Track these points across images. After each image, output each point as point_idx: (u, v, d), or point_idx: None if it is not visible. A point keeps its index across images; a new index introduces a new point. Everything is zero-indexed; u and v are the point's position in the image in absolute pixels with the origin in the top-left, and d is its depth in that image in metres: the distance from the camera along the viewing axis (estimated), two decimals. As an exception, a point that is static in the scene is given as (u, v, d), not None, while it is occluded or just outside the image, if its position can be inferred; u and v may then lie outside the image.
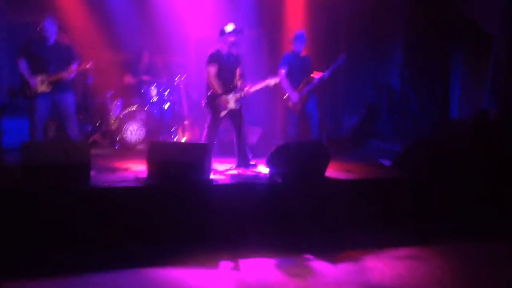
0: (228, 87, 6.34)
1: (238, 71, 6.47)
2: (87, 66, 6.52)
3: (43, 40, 6.22)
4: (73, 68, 6.34)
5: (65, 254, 4.47)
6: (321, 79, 7.02)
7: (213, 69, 6.31)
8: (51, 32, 6.20)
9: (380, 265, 4.46)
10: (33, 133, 6.21)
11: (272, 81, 6.41)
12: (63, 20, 6.50)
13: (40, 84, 6.18)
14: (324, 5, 9.25)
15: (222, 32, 6.30)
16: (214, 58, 6.32)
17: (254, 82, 6.46)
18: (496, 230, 5.53)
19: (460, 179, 5.90)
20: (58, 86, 6.25)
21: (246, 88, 6.33)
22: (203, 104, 6.50)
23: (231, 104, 6.31)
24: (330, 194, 5.54)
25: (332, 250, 4.80)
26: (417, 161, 6.14)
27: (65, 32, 7.03)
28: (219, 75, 6.33)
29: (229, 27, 6.28)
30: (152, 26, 8.85)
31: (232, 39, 6.27)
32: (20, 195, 4.61)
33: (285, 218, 5.25)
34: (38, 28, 6.20)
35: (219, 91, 6.28)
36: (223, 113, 6.32)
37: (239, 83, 6.41)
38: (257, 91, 6.48)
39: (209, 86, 6.37)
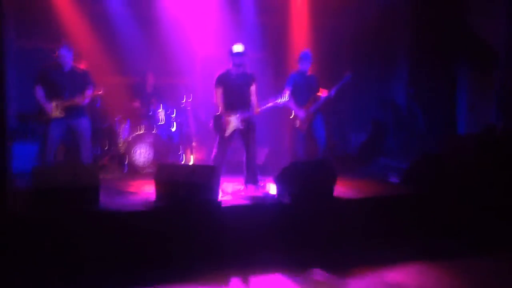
0: (233, 106, 6.39)
1: (252, 90, 6.51)
2: (99, 92, 6.69)
3: (59, 67, 6.41)
4: (87, 94, 6.48)
5: (75, 276, 4.48)
6: (327, 97, 7.07)
7: (218, 91, 6.40)
8: (68, 59, 6.40)
9: (389, 280, 4.45)
10: (44, 157, 6.32)
11: (279, 100, 6.45)
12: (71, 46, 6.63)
13: (55, 109, 6.32)
14: (328, 25, 9.35)
15: (230, 52, 6.38)
16: (220, 79, 6.40)
17: (261, 102, 6.52)
18: (504, 245, 5.49)
19: (467, 194, 5.89)
20: (74, 112, 6.40)
21: (255, 109, 6.38)
22: (210, 125, 6.55)
23: (235, 124, 6.35)
24: (338, 211, 5.54)
25: (341, 267, 4.80)
26: (424, 177, 6.15)
27: (80, 58, 7.18)
28: (227, 95, 6.39)
29: (235, 48, 6.36)
30: (158, 49, 8.96)
31: (236, 60, 6.34)
32: (31, 219, 4.65)
33: (294, 236, 5.25)
34: (55, 55, 6.37)
35: (223, 111, 6.35)
36: (227, 133, 6.36)
37: (253, 102, 6.45)
38: (264, 111, 6.53)
39: (216, 106, 6.46)
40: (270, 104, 6.46)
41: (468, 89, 8.65)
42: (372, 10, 8.93)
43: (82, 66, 6.66)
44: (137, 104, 8.28)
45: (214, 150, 6.47)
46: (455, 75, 8.69)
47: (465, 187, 5.98)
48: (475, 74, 8.61)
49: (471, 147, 6.70)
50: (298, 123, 7.07)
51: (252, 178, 6.40)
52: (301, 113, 7.02)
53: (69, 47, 6.43)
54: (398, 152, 8.79)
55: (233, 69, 6.42)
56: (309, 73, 7.26)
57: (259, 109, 6.41)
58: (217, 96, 6.40)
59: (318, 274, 4.65)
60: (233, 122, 6.36)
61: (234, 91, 6.41)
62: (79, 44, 8.18)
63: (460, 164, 6.35)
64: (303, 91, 7.15)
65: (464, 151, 6.81)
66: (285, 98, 6.51)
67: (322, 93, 7.14)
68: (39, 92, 6.36)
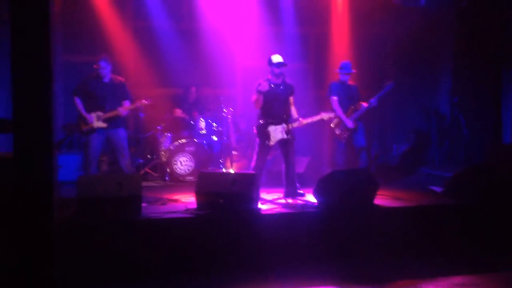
0: (277, 116, 6.41)
1: (291, 100, 6.53)
2: (145, 102, 6.86)
3: (99, 78, 6.62)
4: (127, 105, 6.69)
5: (116, 283, 4.57)
6: (368, 106, 7.03)
7: (256, 99, 6.40)
8: (107, 71, 6.62)
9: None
10: (87, 167, 6.52)
11: (325, 116, 6.47)
12: (116, 60, 6.85)
13: (97, 120, 6.54)
14: (370, 34, 9.29)
15: (269, 62, 6.43)
16: (261, 88, 6.40)
17: (303, 114, 6.54)
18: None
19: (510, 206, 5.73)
20: (112, 122, 6.58)
21: (300, 120, 6.40)
22: (254, 131, 6.58)
23: (279, 135, 6.38)
24: (380, 222, 5.47)
25: (384, 279, 4.74)
26: (469, 187, 6.00)
27: (119, 71, 7.38)
28: (266, 104, 6.42)
29: (274, 58, 6.39)
30: (200, 61, 9.09)
31: (276, 70, 6.38)
32: (75, 227, 4.78)
33: (335, 247, 5.22)
34: (95, 66, 6.59)
35: (266, 120, 6.38)
36: (271, 143, 6.39)
37: (293, 112, 6.48)
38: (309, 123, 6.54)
39: (258, 115, 6.49)
40: (316, 118, 6.47)
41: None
42: (414, 18, 8.81)
43: (120, 78, 6.83)
44: (178, 112, 8.43)
45: (254, 159, 6.51)
46: (501, 82, 8.47)
47: (510, 198, 5.80)
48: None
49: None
50: (338, 132, 7.04)
51: (291, 188, 6.40)
52: (350, 123, 7.01)
53: (108, 59, 6.64)
54: (441, 161, 8.61)
55: (273, 79, 6.46)
56: (349, 82, 7.24)
57: (305, 121, 6.43)
58: (257, 103, 6.42)
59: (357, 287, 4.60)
60: (278, 132, 6.38)
61: (275, 101, 6.43)
62: (123, 57, 8.44)
63: (507, 174, 6.18)
64: (344, 100, 7.14)
65: (510, 160, 6.62)
66: (331, 114, 6.52)
67: (364, 103, 7.10)
68: (79, 103, 6.60)
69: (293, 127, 6.40)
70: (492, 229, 5.56)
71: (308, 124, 6.56)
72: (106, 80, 6.65)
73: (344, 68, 7.20)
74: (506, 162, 6.71)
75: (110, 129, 6.61)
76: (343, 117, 7.05)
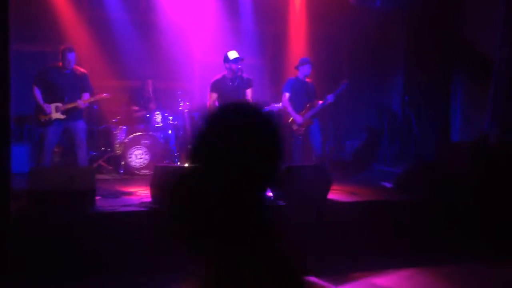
0: None
1: (248, 94, 6.56)
2: (105, 96, 6.73)
3: (60, 69, 6.42)
4: (87, 98, 6.52)
5: (69, 277, 4.50)
6: (324, 103, 7.13)
7: (212, 95, 6.50)
8: (72, 61, 6.42)
9: (380, 285, 4.50)
10: (40, 159, 6.33)
11: (276, 106, 6.52)
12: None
13: (55, 111, 6.35)
14: (326, 33, 9.44)
15: (225, 59, 6.45)
16: (214, 85, 6.48)
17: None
18: (496, 252, 5.55)
19: (459, 201, 5.95)
20: (71, 114, 6.42)
21: None
22: None
23: None
24: (333, 216, 5.59)
25: (338, 272, 4.83)
26: (418, 183, 6.20)
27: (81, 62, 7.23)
28: (222, 100, 6.46)
29: (231, 54, 6.42)
30: (157, 54, 9.02)
31: (233, 66, 6.41)
32: (26, 219, 4.68)
33: (289, 241, 5.28)
34: (60, 56, 6.39)
35: None
36: None
37: None
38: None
39: None
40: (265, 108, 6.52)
41: (462, 98, 8.72)
42: (369, 19, 9.01)
43: (82, 69, 6.68)
44: (135, 108, 8.34)
45: None
46: (450, 84, 8.76)
47: (458, 194, 6.03)
48: (469, 83, 8.68)
49: (465, 154, 6.76)
50: (295, 128, 7.13)
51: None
52: (299, 119, 7.08)
53: (73, 49, 6.46)
54: (392, 158, 8.85)
55: (229, 74, 6.49)
56: (307, 79, 7.33)
57: None
58: (211, 100, 6.48)
59: (312, 280, 4.68)
60: None
61: (229, 96, 6.48)
62: (78, 48, 8.23)
63: (454, 171, 6.41)
64: (300, 97, 7.21)
65: (458, 158, 6.87)
66: (279, 104, 6.58)
67: (320, 101, 7.20)
68: (37, 93, 6.38)
69: None
70: (440, 224, 5.76)
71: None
72: (68, 70, 6.47)
73: (303, 64, 7.27)
74: (453, 159, 6.95)
75: (69, 121, 6.44)
76: (292, 113, 7.11)
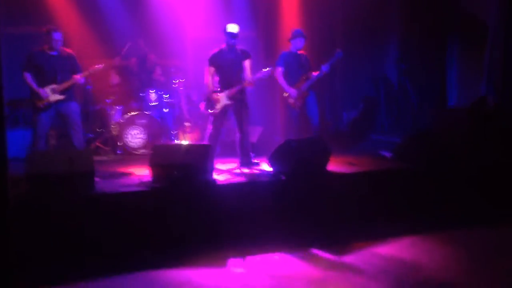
0: (227, 84, 6.43)
1: (246, 65, 6.50)
2: (99, 67, 6.60)
3: (46, 51, 6.31)
4: (78, 77, 6.41)
5: (72, 261, 4.51)
6: (319, 74, 7.06)
7: (210, 70, 6.47)
8: (59, 43, 6.31)
9: (383, 254, 4.54)
10: (36, 143, 6.27)
11: (266, 73, 6.41)
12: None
13: (52, 94, 6.26)
14: (319, 3, 9.30)
15: (224, 30, 6.39)
16: (212, 59, 6.45)
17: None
18: (495, 217, 5.60)
19: (458, 168, 5.96)
20: (64, 95, 6.32)
21: (245, 82, 6.38)
22: (201, 106, 6.59)
23: (224, 100, 6.38)
24: (333, 187, 5.60)
25: (336, 242, 4.89)
26: (417, 152, 6.20)
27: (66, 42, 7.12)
28: (220, 74, 6.45)
29: (228, 27, 6.35)
30: (148, 30, 8.90)
31: (230, 40, 6.35)
32: (26, 205, 4.66)
33: (290, 214, 5.30)
34: (45, 38, 6.26)
35: (210, 89, 6.42)
36: (216, 109, 6.39)
37: (247, 77, 6.45)
38: (257, 87, 6.51)
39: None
40: (257, 76, 6.42)
41: (458, 63, 8.69)
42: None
43: (68, 50, 6.56)
44: (116, 79, 8.22)
45: (208, 129, 6.51)
46: (446, 50, 8.71)
47: (456, 161, 6.04)
48: (465, 48, 8.65)
49: (462, 119, 6.76)
50: (291, 101, 7.08)
51: (246, 158, 6.44)
52: (293, 92, 7.02)
53: (59, 30, 6.36)
54: (390, 127, 8.85)
55: (226, 48, 6.44)
56: (300, 52, 7.25)
57: (247, 81, 6.40)
58: (208, 75, 6.45)
59: (315, 251, 4.72)
60: (222, 98, 6.39)
61: (225, 69, 6.45)
62: (67, 28, 8.12)
63: (452, 138, 6.41)
64: (294, 69, 7.13)
65: (455, 124, 6.87)
66: (270, 69, 6.48)
67: (314, 71, 7.14)
68: (29, 78, 6.26)
69: (237, 91, 6.37)
70: (439, 192, 5.79)
71: (259, 92, 6.57)
72: (55, 52, 6.34)
73: (295, 36, 7.18)
74: (451, 126, 6.95)
75: (60, 104, 6.32)
76: (286, 87, 7.04)
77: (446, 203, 5.71)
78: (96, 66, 6.62)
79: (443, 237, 4.98)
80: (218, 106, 6.40)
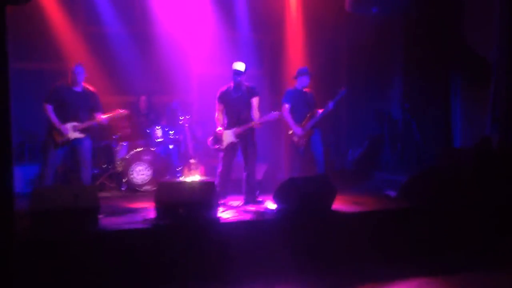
0: (231, 121, 6.51)
1: (253, 103, 6.54)
2: (123, 112, 6.69)
3: (70, 86, 6.31)
4: (105, 114, 6.43)
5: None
6: (324, 112, 7.11)
7: (219, 107, 6.57)
8: (81, 79, 6.32)
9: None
10: (43, 178, 6.23)
11: (274, 115, 6.49)
12: (68, 66, 6.61)
13: (73, 131, 6.26)
14: (324, 41, 9.43)
15: (232, 68, 6.47)
16: (220, 97, 6.55)
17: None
18: (504, 259, 5.52)
19: (465, 208, 5.92)
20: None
21: (253, 123, 6.44)
22: (208, 142, 6.64)
23: (230, 138, 6.43)
24: (338, 227, 5.56)
25: (344, 284, 4.82)
26: (422, 191, 6.17)
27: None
28: (228, 111, 6.54)
29: (234, 65, 6.43)
30: (154, 67, 9.02)
31: (235, 78, 6.42)
32: (30, 240, 4.64)
33: (293, 254, 5.25)
34: (70, 74, 6.28)
35: (219, 125, 6.50)
36: (223, 146, 6.43)
37: (254, 115, 6.50)
38: (262, 126, 6.57)
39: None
40: (265, 118, 6.49)
41: (462, 102, 8.71)
42: (366, 26, 9.01)
43: (92, 88, 6.59)
44: (126, 123, 8.28)
45: (219, 166, 6.55)
46: (450, 88, 8.75)
47: (463, 200, 6.00)
48: (469, 86, 8.67)
49: (468, 160, 6.74)
50: (296, 139, 7.10)
51: (251, 195, 6.44)
52: (298, 130, 7.06)
53: (82, 67, 6.36)
54: (394, 166, 8.82)
55: (233, 85, 6.52)
56: (305, 90, 7.31)
57: (254, 122, 6.46)
58: (218, 112, 6.53)
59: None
60: (228, 136, 6.43)
61: (232, 107, 6.53)
62: (74, 63, 8.21)
63: (458, 177, 6.38)
64: (300, 107, 7.19)
65: (461, 164, 6.84)
66: (278, 113, 6.55)
67: (320, 110, 7.18)
68: (50, 111, 6.23)
69: (244, 130, 6.43)
70: (446, 231, 5.73)
71: (264, 129, 6.62)
72: (79, 89, 6.35)
73: (301, 74, 7.25)
74: (457, 165, 6.93)
75: (76, 140, 6.31)
76: (293, 125, 7.08)
77: (453, 244, 5.65)
78: (121, 111, 6.67)
79: (451, 280, 4.88)
80: (224, 143, 6.45)
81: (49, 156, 6.25)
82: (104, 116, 6.50)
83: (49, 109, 6.25)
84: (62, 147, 6.26)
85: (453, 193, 6.06)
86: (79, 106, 6.32)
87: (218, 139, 6.51)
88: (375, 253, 5.38)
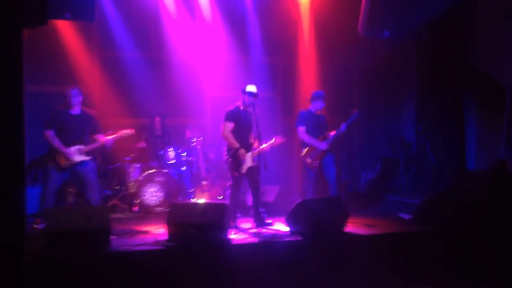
0: (245, 144, 6.48)
1: (254, 130, 6.58)
2: (128, 132, 6.68)
3: (68, 110, 6.31)
4: (100, 137, 6.43)
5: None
6: (337, 133, 7.11)
7: (229, 125, 6.49)
8: (77, 100, 6.30)
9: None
10: (44, 200, 6.17)
11: (278, 141, 6.55)
12: (82, 89, 6.68)
13: (78, 154, 6.25)
14: (336, 64, 9.47)
15: (243, 90, 6.49)
16: (232, 115, 6.50)
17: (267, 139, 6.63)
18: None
19: (481, 231, 5.83)
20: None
21: (262, 146, 6.45)
22: (227, 160, 6.56)
23: (249, 162, 6.42)
24: (351, 250, 5.50)
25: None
26: (437, 214, 6.10)
27: (89, 103, 7.22)
28: (237, 132, 6.50)
29: (248, 87, 6.47)
30: (167, 90, 9.08)
31: (245, 99, 6.46)
32: (41, 261, 4.64)
33: (306, 276, 5.20)
34: (67, 97, 6.26)
35: (236, 145, 6.42)
36: (242, 171, 6.41)
37: (255, 141, 6.55)
38: (273, 149, 6.59)
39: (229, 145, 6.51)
40: (269, 143, 6.54)
41: (477, 125, 8.65)
42: (379, 49, 9.05)
43: (91, 111, 6.61)
44: (142, 144, 8.33)
45: (231, 189, 6.55)
46: (463, 111, 8.70)
47: (479, 223, 5.92)
48: (483, 110, 8.62)
49: (483, 183, 6.65)
50: (308, 161, 7.09)
51: (258, 216, 6.41)
52: (323, 145, 7.05)
53: (79, 89, 6.37)
54: (408, 188, 8.75)
55: (241, 106, 6.54)
56: (319, 112, 7.31)
57: (264, 145, 6.49)
58: (227, 129, 6.48)
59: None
60: (248, 159, 6.42)
61: (244, 128, 6.55)
62: (90, 87, 8.33)
63: (474, 200, 6.30)
64: (312, 129, 7.19)
65: (476, 187, 6.76)
66: (283, 138, 6.61)
67: (331, 131, 7.18)
68: (54, 138, 6.21)
69: (258, 154, 6.47)
70: (461, 255, 5.64)
71: (276, 151, 6.63)
72: (77, 112, 6.35)
73: (316, 97, 7.27)
74: (472, 189, 6.84)
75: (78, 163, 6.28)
76: (315, 142, 7.08)
77: (468, 267, 5.56)
78: (126, 130, 6.67)
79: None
80: (245, 167, 6.43)
81: (49, 178, 6.19)
82: (108, 137, 6.50)
83: (51, 134, 6.22)
84: (63, 170, 6.22)
85: (468, 216, 5.98)
86: (80, 129, 6.31)
87: (239, 162, 6.43)
88: (389, 276, 5.31)
